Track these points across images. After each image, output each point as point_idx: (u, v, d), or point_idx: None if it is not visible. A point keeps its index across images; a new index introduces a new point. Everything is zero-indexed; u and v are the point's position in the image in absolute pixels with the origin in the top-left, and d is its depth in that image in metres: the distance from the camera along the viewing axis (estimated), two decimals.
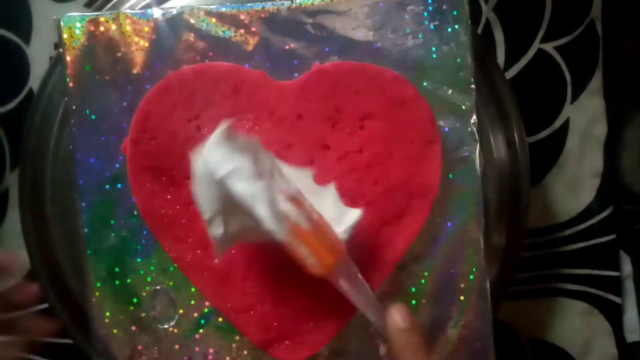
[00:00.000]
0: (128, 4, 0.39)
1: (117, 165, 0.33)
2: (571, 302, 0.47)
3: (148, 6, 0.38)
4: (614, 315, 0.47)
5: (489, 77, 0.39)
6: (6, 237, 0.45)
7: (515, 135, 0.40)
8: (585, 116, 0.46)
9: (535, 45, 0.46)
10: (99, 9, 0.39)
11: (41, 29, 0.44)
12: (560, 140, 0.46)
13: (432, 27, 0.34)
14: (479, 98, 0.39)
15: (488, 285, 0.34)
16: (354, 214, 0.30)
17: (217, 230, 0.29)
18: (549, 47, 0.46)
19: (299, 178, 0.31)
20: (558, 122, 0.46)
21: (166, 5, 0.38)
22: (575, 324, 0.47)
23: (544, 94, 0.46)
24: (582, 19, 0.46)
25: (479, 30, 0.45)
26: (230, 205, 0.28)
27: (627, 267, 0.47)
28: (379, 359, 0.34)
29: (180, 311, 0.34)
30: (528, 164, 0.39)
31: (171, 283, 0.34)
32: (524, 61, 0.46)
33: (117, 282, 0.34)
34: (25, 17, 0.44)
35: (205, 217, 0.29)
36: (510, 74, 0.46)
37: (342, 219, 0.30)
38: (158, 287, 0.34)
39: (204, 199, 0.29)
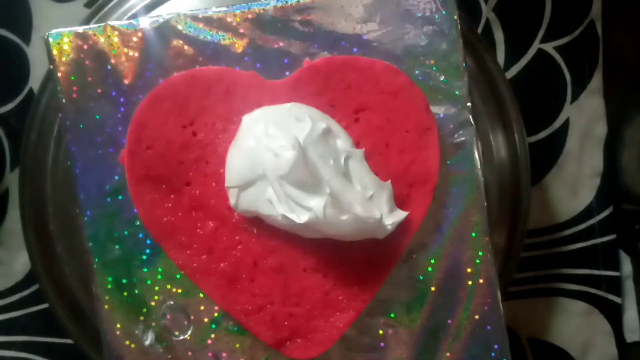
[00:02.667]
0: (127, 5, 0.39)
1: (116, 177, 0.33)
2: (571, 302, 0.47)
3: (149, 6, 0.39)
4: (613, 315, 0.47)
5: (489, 77, 0.39)
6: (6, 237, 0.45)
7: (515, 135, 0.40)
8: (585, 116, 0.46)
9: (535, 46, 0.46)
10: (99, 10, 0.39)
11: (41, 29, 0.44)
12: (560, 140, 0.46)
13: (419, 14, 0.34)
14: (479, 98, 0.39)
15: (494, 268, 0.34)
16: (401, 214, 0.31)
17: (231, 199, 0.32)
18: (549, 47, 0.46)
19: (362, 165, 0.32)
20: (558, 122, 0.46)
21: (153, 13, 0.38)
22: (575, 324, 0.47)
23: (544, 94, 0.46)
24: (582, 19, 0.46)
25: (479, 30, 0.45)
26: (249, 183, 0.30)
27: (627, 267, 0.47)
28: (390, 352, 0.34)
29: (191, 317, 0.34)
30: (528, 164, 0.39)
31: (179, 290, 0.34)
32: (524, 61, 0.46)
33: (125, 293, 0.34)
34: (25, 17, 0.44)
35: (226, 184, 0.32)
36: (510, 74, 0.46)
37: (391, 215, 0.31)
38: (171, 303, 0.34)
39: (231, 166, 0.31)
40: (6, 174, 0.45)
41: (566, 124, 0.46)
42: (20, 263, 0.45)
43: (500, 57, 0.46)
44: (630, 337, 0.47)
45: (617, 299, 0.47)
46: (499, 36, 0.46)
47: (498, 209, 0.39)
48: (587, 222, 0.47)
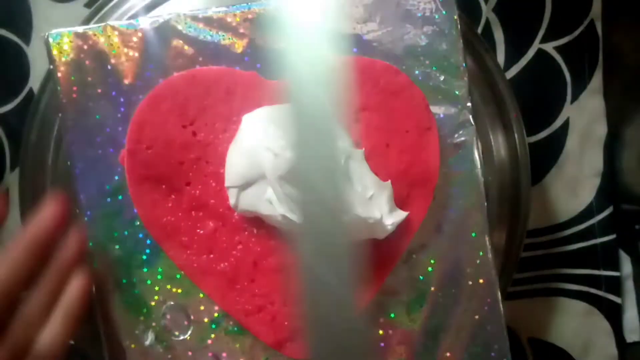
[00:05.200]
0: (127, 5, 0.39)
1: (116, 177, 0.33)
2: (571, 302, 0.47)
3: (149, 6, 0.38)
4: (614, 315, 0.47)
5: (489, 77, 0.39)
6: (6, 237, 0.45)
7: (515, 135, 0.40)
8: (585, 116, 0.46)
9: (535, 46, 0.46)
10: (99, 10, 0.39)
11: (41, 29, 0.44)
12: (560, 140, 0.46)
13: (419, 14, 0.34)
14: (479, 98, 0.39)
15: (494, 268, 0.34)
16: (401, 214, 0.32)
17: (231, 199, 0.32)
18: (549, 47, 0.46)
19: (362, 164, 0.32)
20: (558, 122, 0.46)
21: (153, 13, 0.38)
22: (575, 324, 0.47)
23: (544, 94, 0.46)
24: (582, 19, 0.46)
25: (479, 30, 0.45)
26: (249, 183, 0.31)
27: (627, 267, 0.47)
28: (390, 352, 0.34)
29: (191, 317, 0.34)
30: (528, 164, 0.39)
31: (179, 291, 0.34)
32: (523, 61, 0.46)
33: (125, 293, 0.34)
34: (25, 17, 0.44)
35: (226, 184, 0.32)
36: (510, 74, 0.46)
37: (391, 215, 0.31)
38: (171, 303, 0.34)
39: (231, 166, 0.32)
40: (6, 174, 0.45)
41: (566, 124, 0.46)
42: None
43: (500, 57, 0.46)
44: (630, 337, 0.47)
45: (617, 299, 0.47)
46: (499, 36, 0.46)
47: (498, 209, 0.39)
48: (587, 222, 0.47)
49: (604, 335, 0.47)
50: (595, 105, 0.46)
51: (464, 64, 0.34)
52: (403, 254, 0.34)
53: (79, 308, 0.31)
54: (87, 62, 0.33)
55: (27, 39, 0.44)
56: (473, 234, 0.34)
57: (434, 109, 0.34)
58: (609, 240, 0.47)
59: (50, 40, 0.33)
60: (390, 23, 0.34)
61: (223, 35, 0.34)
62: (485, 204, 0.34)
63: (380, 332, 0.34)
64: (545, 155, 0.46)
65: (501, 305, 0.34)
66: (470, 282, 0.34)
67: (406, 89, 0.33)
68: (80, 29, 0.33)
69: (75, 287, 0.31)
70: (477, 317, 0.34)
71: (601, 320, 0.47)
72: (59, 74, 0.33)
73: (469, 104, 0.34)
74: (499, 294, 0.34)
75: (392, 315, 0.34)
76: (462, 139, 0.34)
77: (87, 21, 0.39)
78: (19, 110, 0.44)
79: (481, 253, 0.34)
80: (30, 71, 0.44)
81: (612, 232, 0.47)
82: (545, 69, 0.46)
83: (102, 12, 0.39)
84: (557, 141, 0.46)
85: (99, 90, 0.33)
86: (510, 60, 0.46)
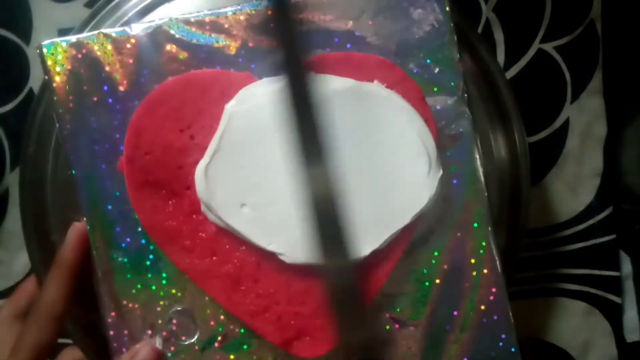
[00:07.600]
0: (126, 6, 0.39)
1: (117, 185, 0.33)
2: (571, 302, 0.47)
3: (141, 12, 0.38)
4: (613, 315, 0.47)
5: (489, 77, 0.39)
6: (6, 237, 0.45)
7: (515, 135, 0.40)
8: (585, 116, 0.46)
9: (535, 45, 0.46)
10: (94, 15, 0.39)
11: (41, 29, 0.44)
12: (560, 140, 0.46)
13: (411, 8, 0.34)
14: (479, 98, 0.39)
15: (498, 257, 0.34)
16: None
17: None
18: (549, 47, 0.46)
19: None
20: (558, 122, 0.46)
21: (146, 18, 0.38)
22: (575, 324, 0.47)
23: (544, 94, 0.46)
24: (582, 19, 0.46)
25: (479, 30, 0.45)
26: None
27: (627, 267, 0.47)
28: (398, 346, 0.34)
29: (198, 321, 0.34)
30: (528, 164, 0.39)
31: (184, 295, 0.34)
32: (523, 61, 0.46)
33: (130, 300, 0.33)
34: (25, 17, 0.44)
35: None
36: (510, 74, 0.46)
37: None
38: (177, 308, 0.34)
39: None
40: (6, 174, 0.45)
41: (566, 124, 0.46)
42: (20, 263, 0.45)
43: (500, 57, 0.46)
44: (631, 337, 0.47)
45: (617, 299, 0.47)
46: (499, 36, 0.46)
47: (498, 209, 0.39)
48: (587, 222, 0.47)
49: (604, 335, 0.47)
50: (595, 105, 0.46)
51: (458, 55, 0.34)
52: (406, 248, 0.34)
53: (73, 258, 0.33)
54: (81, 70, 0.33)
55: (27, 39, 0.44)
56: (475, 225, 0.34)
57: (430, 101, 0.34)
58: (609, 240, 0.47)
59: (45, 50, 0.33)
60: (382, 18, 0.34)
61: (216, 38, 0.34)
62: (486, 194, 0.34)
63: (387, 327, 0.34)
64: (545, 155, 0.46)
65: (507, 295, 0.34)
66: (474, 273, 0.34)
67: (401, 83, 0.33)
68: (73, 37, 0.33)
69: (69, 238, 0.33)
70: (483, 307, 0.34)
71: (601, 320, 0.47)
72: (54, 85, 0.33)
73: (465, 95, 0.34)
74: (504, 283, 0.34)
75: (398, 309, 0.34)
76: (460, 129, 0.34)
77: (82, 27, 0.39)
78: (19, 110, 0.44)
79: (484, 243, 0.34)
80: (30, 71, 0.44)
81: (612, 232, 0.47)
82: (545, 69, 0.46)
83: (98, 17, 0.39)
84: (557, 141, 0.46)
85: (95, 99, 0.33)
86: (511, 60, 0.46)
